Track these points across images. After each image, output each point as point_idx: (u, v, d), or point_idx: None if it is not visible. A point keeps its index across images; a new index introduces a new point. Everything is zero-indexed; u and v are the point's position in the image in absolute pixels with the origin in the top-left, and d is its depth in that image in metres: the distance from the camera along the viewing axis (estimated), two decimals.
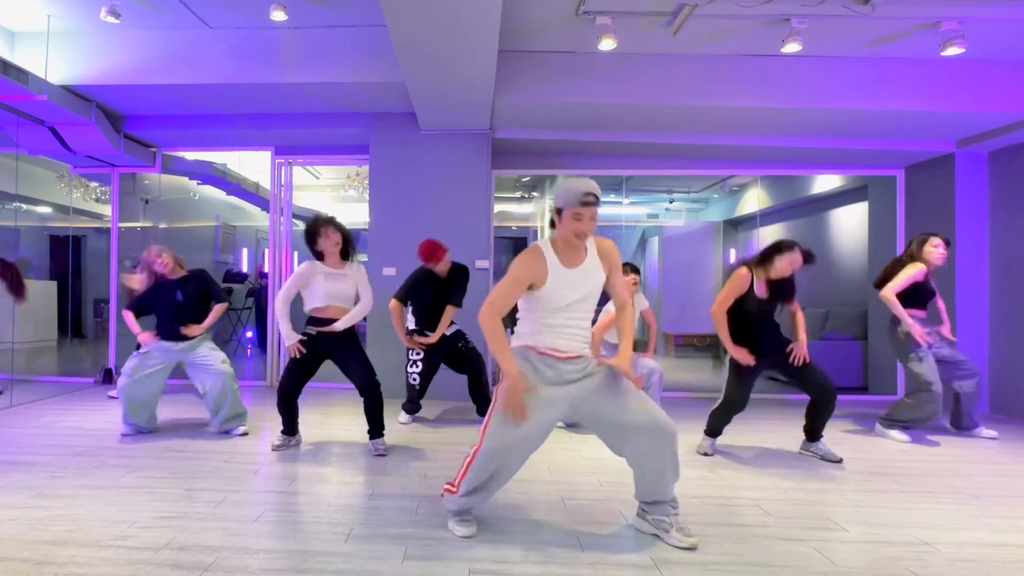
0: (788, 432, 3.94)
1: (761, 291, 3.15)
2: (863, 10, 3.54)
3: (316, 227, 3.23)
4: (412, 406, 4.05)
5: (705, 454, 3.38)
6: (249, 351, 7.83)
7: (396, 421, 4.01)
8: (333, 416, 4.17)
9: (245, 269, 8.95)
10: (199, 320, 3.67)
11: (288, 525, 2.26)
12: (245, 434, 3.64)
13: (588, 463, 3.16)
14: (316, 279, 3.23)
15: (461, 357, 4.01)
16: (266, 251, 7.31)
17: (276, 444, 3.36)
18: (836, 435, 3.90)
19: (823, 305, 6.54)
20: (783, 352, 3.21)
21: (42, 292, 7.26)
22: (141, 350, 3.61)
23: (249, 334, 7.99)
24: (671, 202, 8.91)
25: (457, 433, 3.79)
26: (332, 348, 3.27)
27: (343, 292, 3.27)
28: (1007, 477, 3.06)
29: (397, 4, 2.92)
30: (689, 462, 3.21)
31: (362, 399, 3.29)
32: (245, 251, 9.25)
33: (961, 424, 4.02)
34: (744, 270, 3.19)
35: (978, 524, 2.40)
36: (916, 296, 3.79)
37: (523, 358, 2.11)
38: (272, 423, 3.96)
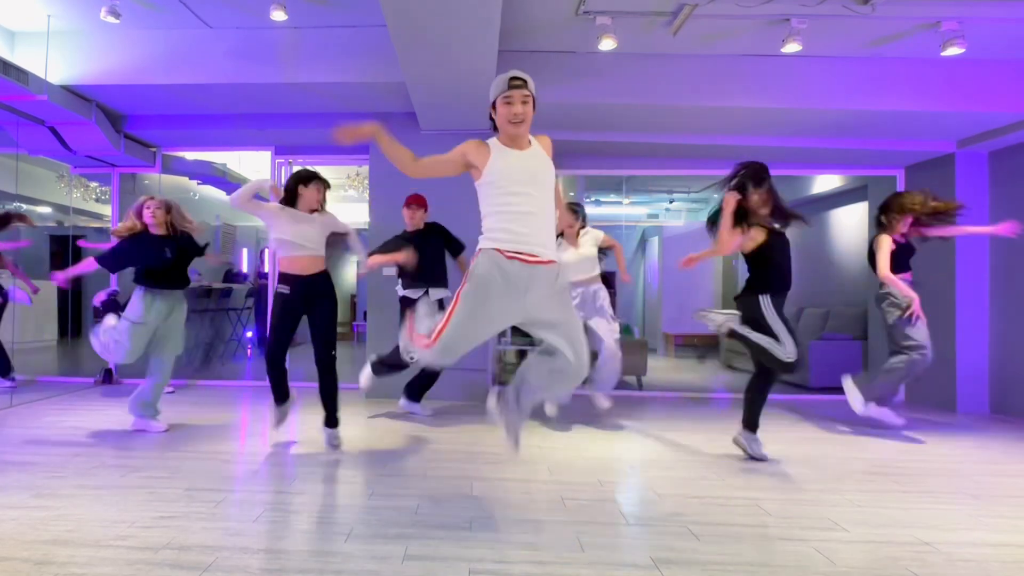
0: (787, 432, 3.95)
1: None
2: (863, 10, 3.54)
3: (309, 176, 3.27)
4: (382, 369, 3.98)
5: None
6: (249, 351, 7.83)
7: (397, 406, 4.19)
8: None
9: (245, 269, 8.95)
10: (181, 282, 3.65)
11: (288, 525, 2.26)
12: (167, 430, 3.65)
13: (588, 463, 3.16)
14: (281, 220, 3.17)
15: None
16: (266, 251, 7.31)
17: (277, 420, 3.34)
18: (836, 435, 3.91)
19: (823, 305, 6.54)
20: None
21: (42, 292, 7.26)
22: (128, 324, 3.49)
23: (249, 334, 7.98)
24: (671, 202, 8.91)
25: (458, 433, 3.79)
26: (310, 300, 3.19)
27: (312, 235, 3.20)
28: (1007, 477, 3.06)
29: (397, 4, 2.92)
30: (689, 462, 3.22)
31: (318, 374, 3.25)
32: (245, 251, 9.25)
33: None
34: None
35: (978, 524, 2.40)
36: (897, 261, 3.82)
37: (491, 261, 2.10)
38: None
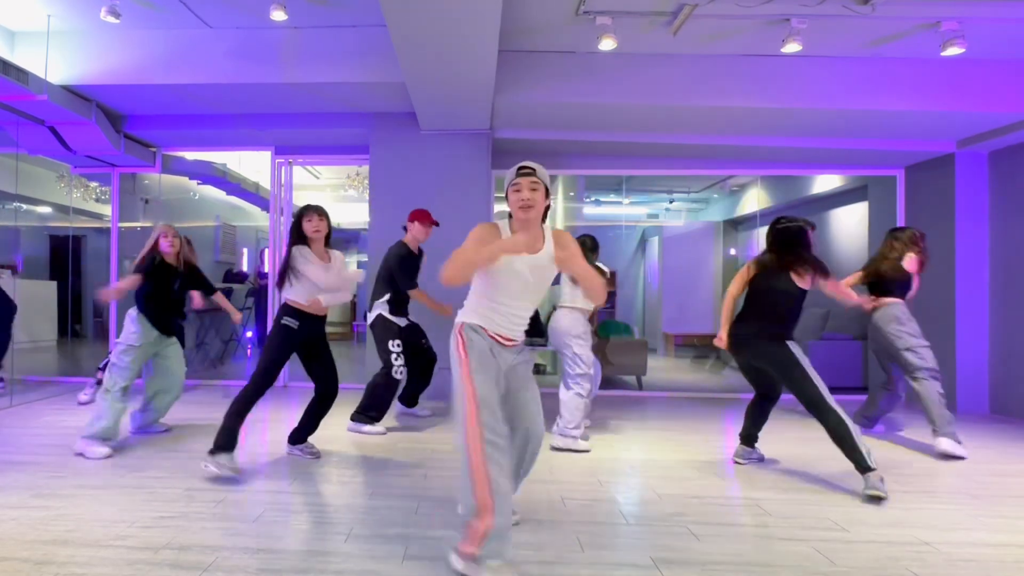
0: (787, 432, 3.95)
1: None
2: (863, 10, 3.54)
3: (303, 212, 3.09)
4: (381, 414, 3.81)
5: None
6: (249, 351, 7.83)
7: (364, 430, 3.80)
8: (332, 416, 4.14)
9: (245, 268, 8.95)
10: (181, 314, 3.61)
11: (288, 525, 2.26)
12: (168, 430, 3.68)
13: (588, 463, 3.16)
14: (314, 268, 2.99)
15: (421, 351, 4.05)
16: (266, 251, 7.31)
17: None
18: None
19: (823, 305, 6.54)
20: None
21: (42, 292, 7.27)
22: (124, 347, 3.32)
23: (249, 334, 7.98)
24: (671, 202, 8.91)
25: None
26: (313, 340, 3.12)
27: (335, 286, 3.07)
28: (1007, 477, 3.06)
29: (397, 4, 2.92)
30: (689, 462, 3.22)
31: (317, 399, 3.20)
32: (245, 251, 9.25)
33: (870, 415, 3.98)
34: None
35: (978, 524, 2.40)
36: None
37: (474, 332, 2.04)
38: (273, 423, 3.96)
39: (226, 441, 2.84)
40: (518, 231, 2.04)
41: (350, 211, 9.77)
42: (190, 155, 5.97)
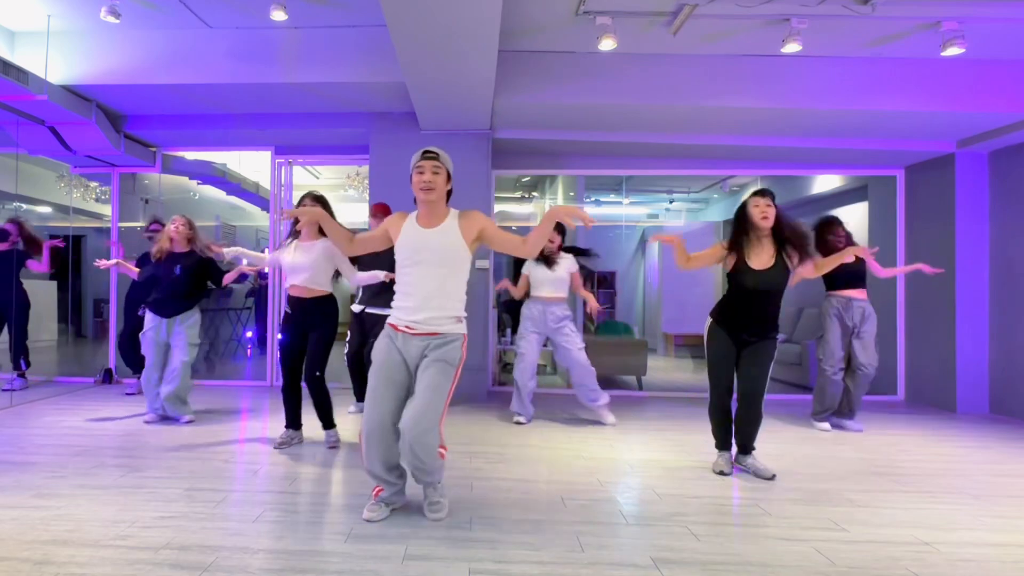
0: (787, 432, 3.95)
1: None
2: (863, 10, 3.54)
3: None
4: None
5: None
6: (249, 351, 7.83)
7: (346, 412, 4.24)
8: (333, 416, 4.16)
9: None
10: (189, 299, 3.89)
11: (288, 525, 2.26)
12: (191, 422, 3.89)
13: (588, 463, 3.16)
14: (285, 255, 3.27)
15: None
16: (266, 251, 7.28)
17: (279, 442, 3.38)
18: (835, 435, 3.91)
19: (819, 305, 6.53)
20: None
21: (42, 292, 7.25)
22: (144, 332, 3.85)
23: (249, 334, 7.98)
24: (671, 202, 8.90)
25: (457, 433, 3.79)
26: (307, 323, 3.27)
27: (301, 264, 3.19)
28: (1007, 477, 3.06)
29: (397, 4, 2.92)
30: (689, 462, 3.22)
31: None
32: None
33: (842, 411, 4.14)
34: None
35: (978, 524, 2.40)
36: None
37: (385, 334, 2.30)
38: (272, 422, 3.96)
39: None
40: (422, 213, 2.28)
41: (350, 211, 9.78)
42: (190, 155, 5.96)
